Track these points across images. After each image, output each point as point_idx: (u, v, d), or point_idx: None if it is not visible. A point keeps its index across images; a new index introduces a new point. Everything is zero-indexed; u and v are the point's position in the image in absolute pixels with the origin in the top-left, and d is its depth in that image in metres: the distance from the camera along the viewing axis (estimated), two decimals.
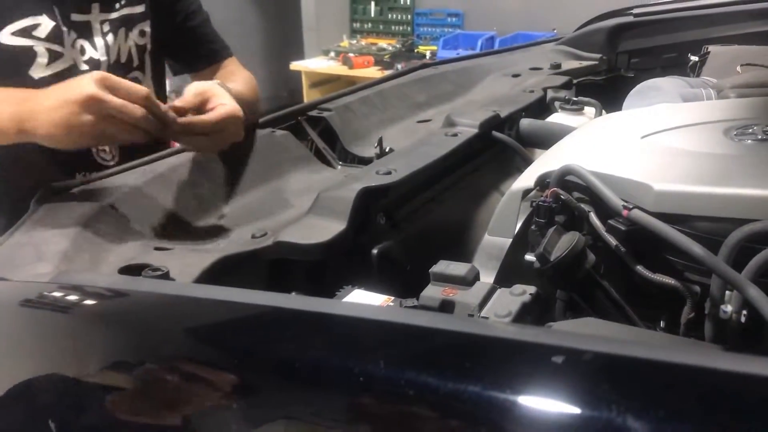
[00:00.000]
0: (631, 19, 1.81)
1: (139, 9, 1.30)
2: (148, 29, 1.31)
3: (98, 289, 0.62)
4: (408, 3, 4.60)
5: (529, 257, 0.84)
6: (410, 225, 0.99)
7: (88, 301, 0.62)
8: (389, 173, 0.95)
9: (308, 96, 4.44)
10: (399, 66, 3.94)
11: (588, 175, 0.81)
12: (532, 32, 4.15)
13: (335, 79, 4.58)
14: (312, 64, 4.38)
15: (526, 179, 0.88)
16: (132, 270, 0.75)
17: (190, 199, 1.02)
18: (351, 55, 4.26)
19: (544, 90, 1.43)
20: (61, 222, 0.81)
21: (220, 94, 1.03)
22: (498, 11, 4.34)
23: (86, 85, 0.86)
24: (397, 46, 4.47)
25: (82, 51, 1.18)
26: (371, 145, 1.39)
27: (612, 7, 3.89)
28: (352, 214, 0.87)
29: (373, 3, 4.69)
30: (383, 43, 4.52)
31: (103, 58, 1.21)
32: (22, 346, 0.63)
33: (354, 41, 4.68)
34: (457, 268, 0.72)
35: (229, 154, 1.15)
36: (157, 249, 0.82)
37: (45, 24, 1.15)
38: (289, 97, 6.57)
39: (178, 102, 0.98)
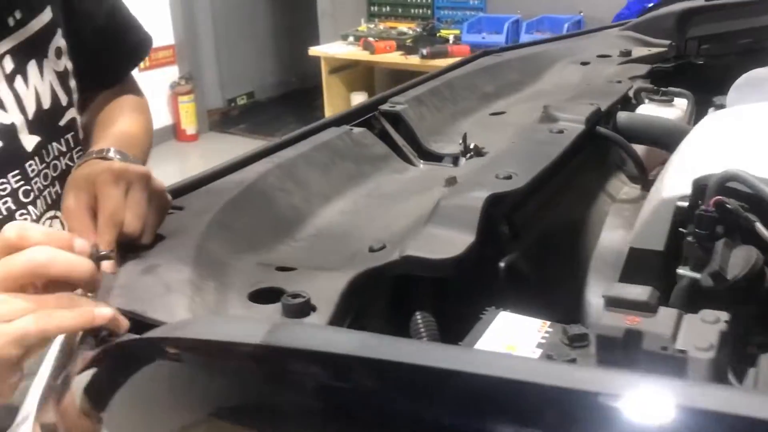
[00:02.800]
0: (701, 2, 1.72)
1: (45, 17, 0.88)
2: (62, 42, 0.91)
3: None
4: None
5: (683, 271, 0.76)
6: (529, 233, 0.91)
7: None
8: (510, 177, 0.87)
9: (328, 83, 4.34)
10: (423, 51, 3.84)
11: (756, 181, 0.73)
12: (557, 15, 4.06)
13: (354, 64, 4.49)
14: (331, 50, 4.28)
15: (678, 186, 0.80)
16: (263, 295, 0.67)
17: (285, 208, 0.94)
18: (371, 39, 4.16)
19: (632, 79, 1.35)
20: (172, 243, 0.73)
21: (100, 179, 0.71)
22: None
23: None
24: (418, 29, 4.36)
25: None
26: (448, 141, 1.31)
27: None
28: (481, 224, 0.79)
29: None
30: (403, 27, 4.41)
31: (18, 118, 0.83)
32: None
33: (372, 25, 4.57)
34: (636, 292, 0.64)
35: (309, 155, 1.07)
36: (279, 269, 0.74)
37: None
38: (299, 82, 6.48)
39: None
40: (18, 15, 0.84)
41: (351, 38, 4.34)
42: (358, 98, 4.45)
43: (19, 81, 0.84)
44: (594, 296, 0.96)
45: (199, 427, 0.46)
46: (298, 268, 0.75)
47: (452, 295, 0.82)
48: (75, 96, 0.94)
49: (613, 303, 0.65)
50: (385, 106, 1.33)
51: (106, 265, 0.64)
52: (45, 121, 0.87)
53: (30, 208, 0.85)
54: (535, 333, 0.69)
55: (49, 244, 0.55)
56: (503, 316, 0.71)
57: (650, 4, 3.78)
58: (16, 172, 0.83)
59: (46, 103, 0.88)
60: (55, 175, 0.89)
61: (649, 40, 1.75)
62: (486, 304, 0.78)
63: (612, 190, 1.11)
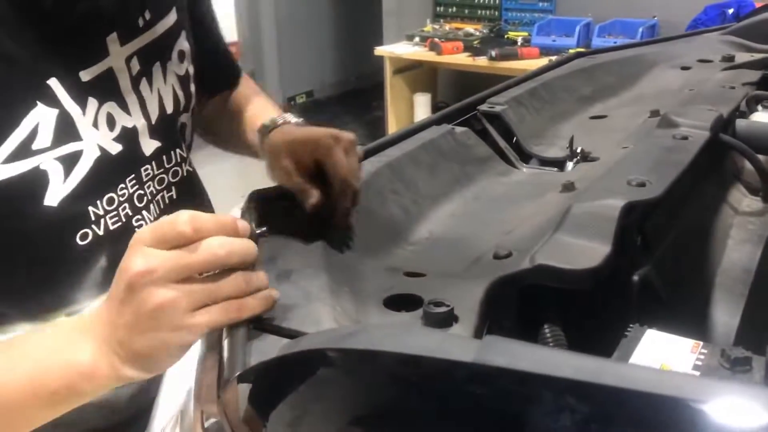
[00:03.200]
0: None
1: (171, 19, 0.87)
2: (186, 45, 0.90)
3: None
4: None
5: None
6: (659, 245, 0.86)
7: None
8: (644, 185, 0.82)
9: (391, 84, 4.31)
10: (492, 52, 3.78)
11: None
12: (630, 18, 3.95)
13: (418, 65, 4.45)
14: (397, 50, 4.24)
15: None
16: (398, 301, 0.64)
17: (396, 210, 0.91)
18: (438, 40, 4.11)
19: (746, 85, 1.28)
20: (301, 246, 0.70)
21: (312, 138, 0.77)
22: None
23: (131, 261, 0.55)
24: (484, 31, 4.30)
25: (111, 124, 0.78)
26: (549, 144, 1.26)
27: None
28: (617, 234, 0.74)
29: None
30: (469, 28, 4.35)
31: (141, 122, 0.82)
32: None
33: (437, 26, 4.52)
34: None
35: (415, 155, 1.04)
36: (407, 275, 0.70)
37: (45, 120, 0.71)
38: (358, 82, 6.47)
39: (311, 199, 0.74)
40: (147, 16, 0.83)
41: (417, 38, 4.30)
42: (422, 99, 4.42)
43: (144, 84, 0.83)
44: (720, 314, 0.90)
45: None
46: (428, 274, 0.71)
47: (580, 308, 0.78)
48: (193, 101, 0.92)
49: None
50: (484, 107, 1.29)
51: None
52: (166, 126, 0.86)
53: (144, 213, 0.84)
54: (688, 354, 0.64)
55: (220, 232, 0.55)
56: (651, 334, 0.67)
57: (730, 10, 3.66)
58: (133, 176, 0.82)
59: (169, 108, 0.86)
60: (174, 180, 0.88)
61: (751, 45, 1.68)
62: (614, 320, 0.73)
63: (733, 202, 1.04)
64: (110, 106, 0.78)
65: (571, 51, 3.54)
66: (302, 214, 0.80)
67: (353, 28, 6.10)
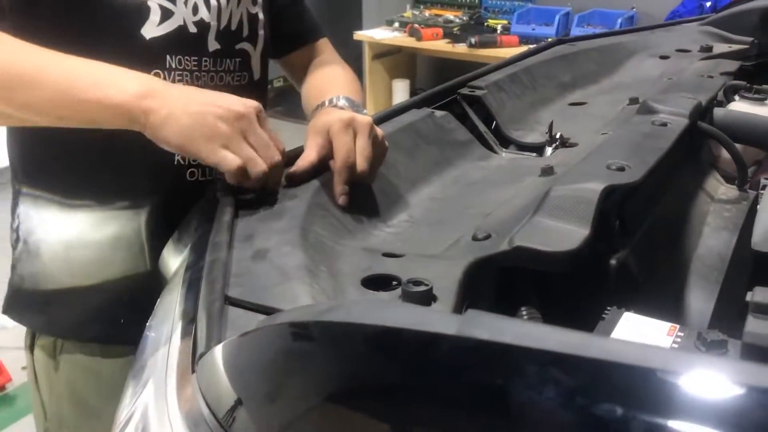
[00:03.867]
0: None
1: None
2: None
3: None
4: None
5: None
6: (637, 230, 0.86)
7: None
8: (623, 169, 0.82)
9: (370, 69, 4.29)
10: (472, 39, 3.78)
11: None
12: (609, 9, 3.97)
13: (397, 51, 4.43)
14: (377, 35, 4.22)
15: None
16: (376, 281, 0.63)
17: (376, 192, 0.90)
18: (418, 26, 4.09)
19: (724, 75, 1.28)
20: (278, 225, 0.69)
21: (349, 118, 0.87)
22: None
23: (246, 104, 0.80)
24: (464, 18, 4.29)
25: (195, 10, 0.98)
26: (529, 129, 1.26)
27: None
28: (595, 217, 0.74)
29: None
30: (449, 15, 4.34)
31: (213, 22, 1.01)
32: None
33: (417, 12, 4.50)
34: None
35: (394, 137, 1.03)
36: (386, 255, 0.69)
37: None
38: None
39: (296, 164, 0.86)
40: None
41: (396, 24, 4.27)
42: (401, 85, 4.40)
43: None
44: (695, 299, 0.91)
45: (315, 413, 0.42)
46: (406, 255, 0.71)
47: (557, 290, 0.78)
48: (260, 43, 1.08)
49: (762, 309, 0.60)
50: (464, 90, 1.28)
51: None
52: (227, 38, 1.03)
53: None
54: (665, 336, 0.64)
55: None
56: (628, 317, 0.67)
57: (708, 2, 3.69)
58: (195, 58, 0.99)
59: (234, 25, 1.04)
60: (221, 84, 1.03)
61: (729, 37, 1.69)
62: (591, 303, 0.73)
63: (710, 189, 1.05)
64: (197, 0, 0.98)
65: (550, 40, 3.55)
66: (279, 193, 0.79)
67: (333, 13, 6.04)
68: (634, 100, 1.22)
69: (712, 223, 0.98)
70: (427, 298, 0.60)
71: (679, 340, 0.63)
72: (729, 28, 1.70)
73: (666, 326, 0.65)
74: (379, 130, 0.90)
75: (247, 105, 0.79)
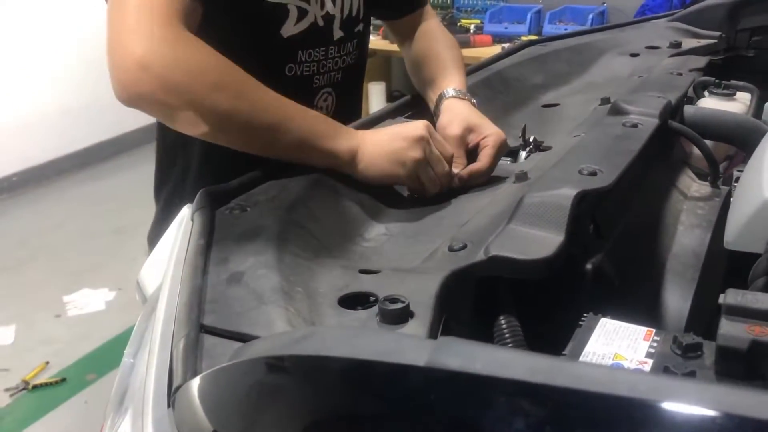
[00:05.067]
0: None
1: None
2: None
3: None
4: None
5: None
6: (611, 233, 0.87)
7: None
8: (595, 174, 0.83)
9: None
10: None
11: None
12: (580, 5, 4.00)
13: (372, 54, 4.41)
14: None
15: None
16: (353, 300, 0.63)
17: (351, 206, 0.90)
18: None
19: (693, 72, 1.29)
20: (253, 247, 0.69)
21: (479, 124, 1.07)
22: None
23: (419, 128, 0.95)
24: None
25: (322, 5, 1.11)
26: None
27: None
28: (569, 223, 0.75)
29: None
30: None
31: (337, 14, 1.14)
32: None
33: None
34: (760, 300, 0.59)
35: None
36: (362, 272, 0.69)
37: None
38: None
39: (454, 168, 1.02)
40: None
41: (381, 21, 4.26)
42: (377, 88, 4.39)
43: None
44: (672, 299, 0.92)
45: None
46: (383, 271, 0.71)
47: (535, 297, 0.78)
48: (367, 20, 1.24)
49: (733, 311, 0.60)
50: None
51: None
52: (348, 24, 1.17)
53: (317, 78, 1.15)
54: (641, 341, 0.64)
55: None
56: (604, 323, 0.67)
57: None
58: (323, 49, 1.13)
59: (353, 11, 1.18)
60: (342, 66, 1.18)
61: (697, 32, 1.70)
62: (568, 308, 0.74)
63: (683, 187, 1.06)
64: None
65: (523, 38, 3.57)
66: (255, 211, 0.79)
67: None
68: (605, 100, 1.23)
69: (686, 221, 0.99)
70: (403, 316, 0.60)
71: (655, 344, 0.64)
72: (697, 23, 1.71)
73: (642, 331, 0.65)
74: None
75: (422, 127, 0.96)
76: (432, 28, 1.35)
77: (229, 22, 1.00)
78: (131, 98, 0.86)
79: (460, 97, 1.14)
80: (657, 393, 0.32)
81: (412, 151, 0.93)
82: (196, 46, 0.87)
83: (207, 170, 1.15)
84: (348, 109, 1.24)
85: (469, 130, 1.06)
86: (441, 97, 1.15)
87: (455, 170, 1.01)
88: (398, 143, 0.94)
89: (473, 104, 1.15)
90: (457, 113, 1.10)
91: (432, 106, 1.18)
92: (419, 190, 0.97)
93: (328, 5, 1.12)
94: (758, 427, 0.31)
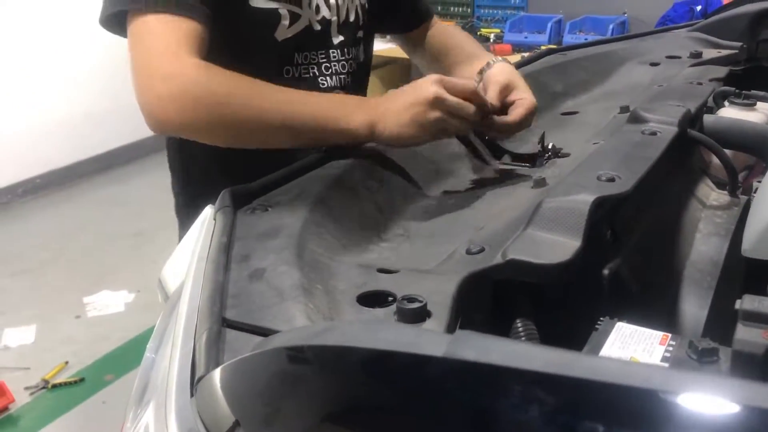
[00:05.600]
0: None
1: None
2: None
3: None
4: None
5: None
6: (629, 239, 0.87)
7: None
8: (613, 180, 0.83)
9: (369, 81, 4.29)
10: None
11: None
12: (601, 15, 4.00)
13: (391, 62, 4.44)
14: None
15: None
16: (372, 298, 0.64)
17: (370, 206, 0.91)
18: None
19: (713, 81, 1.30)
20: (274, 244, 0.70)
21: (519, 86, 1.13)
22: None
23: (429, 86, 0.97)
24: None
25: (317, 10, 1.16)
26: (521, 140, 1.27)
27: None
28: (587, 228, 0.75)
29: None
30: None
31: (334, 18, 1.19)
32: None
33: None
34: None
35: (388, 151, 1.05)
36: (380, 271, 0.70)
37: None
38: None
39: (489, 100, 1.07)
40: None
41: (389, 35, 4.29)
42: None
43: None
44: (689, 306, 0.92)
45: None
46: (401, 270, 0.72)
47: (551, 302, 0.79)
48: (369, 27, 1.28)
49: (749, 317, 0.61)
50: None
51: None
52: (347, 29, 1.21)
53: (327, 78, 1.20)
54: (657, 346, 0.65)
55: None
56: (620, 327, 0.67)
57: (698, 6, 3.71)
58: (323, 52, 1.18)
59: (351, 17, 1.22)
60: (350, 70, 1.23)
61: (718, 42, 1.70)
62: (585, 313, 0.74)
63: (701, 196, 1.06)
64: (318, 0, 1.15)
65: (543, 47, 3.57)
66: (276, 211, 0.81)
67: None
68: (624, 109, 1.23)
69: (704, 229, 0.99)
70: (421, 315, 0.61)
71: (671, 349, 0.64)
72: (718, 33, 1.71)
73: (658, 335, 0.66)
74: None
75: (432, 83, 0.97)
76: (443, 28, 1.42)
77: (224, 29, 1.04)
78: (161, 130, 0.99)
79: (508, 62, 1.22)
80: (672, 384, 0.32)
81: (431, 113, 0.96)
82: (205, 71, 0.95)
83: (212, 169, 1.22)
84: None
85: (511, 86, 1.12)
86: (489, 64, 1.21)
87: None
88: (415, 108, 0.97)
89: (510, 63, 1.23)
90: (508, 71, 1.17)
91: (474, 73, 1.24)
92: (450, 137, 1.06)
93: (324, 10, 1.17)
94: None
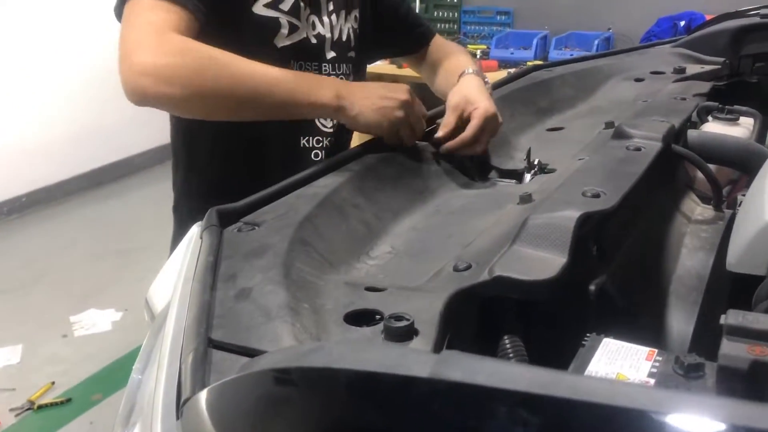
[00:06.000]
0: (757, 20, 1.68)
1: None
2: (358, 15, 1.37)
3: None
4: (455, 0, 4.48)
5: None
6: (614, 255, 0.88)
7: None
8: (598, 196, 0.84)
9: None
10: None
11: None
12: (586, 31, 4.03)
13: (377, 78, 4.46)
14: None
15: None
16: (359, 317, 0.64)
17: (358, 224, 0.91)
18: None
19: (697, 96, 1.31)
20: (261, 263, 0.70)
21: (473, 98, 1.19)
22: (549, 9, 4.21)
23: (404, 90, 1.12)
24: None
25: (313, 26, 1.25)
26: (507, 157, 1.28)
27: (668, 6, 3.78)
28: (573, 244, 0.75)
29: (418, 0, 4.56)
30: None
31: (328, 35, 1.27)
32: None
33: None
34: (761, 320, 0.60)
35: (377, 169, 1.05)
36: (368, 289, 0.70)
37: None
38: None
39: (441, 131, 1.18)
40: None
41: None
42: None
43: (333, 16, 1.28)
44: (675, 321, 0.92)
45: None
46: (388, 289, 0.71)
47: (538, 318, 0.79)
48: (360, 51, 1.35)
49: (734, 331, 0.61)
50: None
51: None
52: (340, 47, 1.29)
53: None
54: (644, 361, 0.65)
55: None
56: (607, 343, 0.68)
57: (681, 22, 3.76)
58: (316, 64, 1.26)
59: (344, 37, 1.30)
60: None
61: (701, 57, 1.72)
62: (572, 329, 0.74)
63: (686, 210, 1.07)
64: (316, 16, 1.25)
65: (529, 63, 3.60)
66: (263, 229, 0.80)
67: None
68: (609, 124, 1.24)
69: (690, 244, 1.00)
70: (408, 333, 0.61)
71: (657, 364, 0.64)
72: (701, 48, 1.73)
73: (645, 351, 0.66)
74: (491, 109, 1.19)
75: (405, 91, 1.12)
76: (447, 50, 1.51)
77: (226, 34, 1.09)
78: (139, 99, 1.02)
79: (476, 74, 1.29)
80: (657, 404, 0.32)
81: (398, 111, 1.09)
82: (179, 42, 1.02)
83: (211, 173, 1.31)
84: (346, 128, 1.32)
85: (466, 101, 1.19)
86: (462, 75, 1.29)
87: (440, 134, 1.17)
88: (386, 101, 1.09)
89: (486, 83, 1.28)
90: (464, 86, 1.25)
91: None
92: (396, 143, 1.12)
93: (319, 28, 1.26)
94: None
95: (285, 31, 1.20)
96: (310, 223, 0.84)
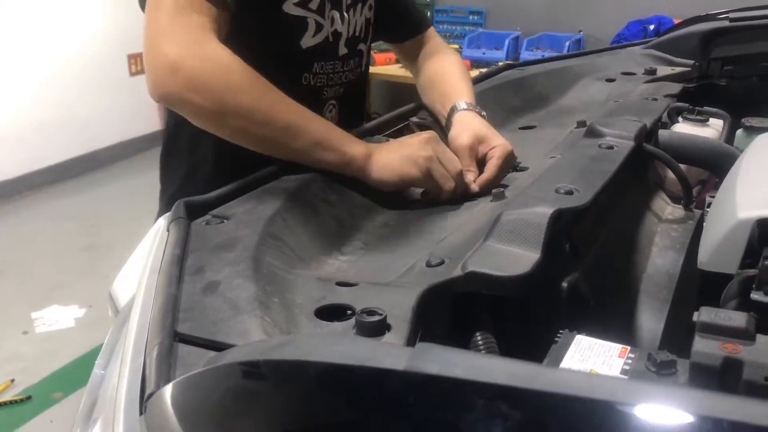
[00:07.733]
0: (726, 24, 1.70)
1: None
2: (373, 3, 1.30)
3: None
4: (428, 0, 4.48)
5: (758, 297, 0.73)
6: (586, 252, 0.87)
7: None
8: (571, 193, 0.83)
9: None
10: None
11: None
12: (557, 33, 4.06)
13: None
14: None
15: (755, 206, 0.76)
16: (330, 312, 0.63)
17: (329, 220, 0.90)
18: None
19: (668, 97, 1.32)
20: (230, 257, 0.68)
21: (486, 136, 1.11)
22: (521, 10, 4.24)
23: (425, 147, 1.01)
24: None
25: (332, 22, 1.18)
26: None
27: (637, 10, 3.83)
28: (546, 241, 0.75)
29: None
30: None
31: (343, 32, 1.21)
32: None
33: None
34: (732, 318, 0.60)
35: None
36: (339, 284, 0.69)
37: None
38: None
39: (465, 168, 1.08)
40: None
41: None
42: None
43: (351, 11, 1.22)
44: (646, 319, 0.93)
45: None
46: (360, 284, 0.70)
47: (511, 314, 0.78)
48: (369, 40, 1.31)
49: (706, 329, 0.61)
50: (415, 118, 1.30)
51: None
52: (352, 42, 1.24)
53: (326, 90, 1.22)
54: (616, 358, 0.65)
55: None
56: (579, 339, 0.67)
57: (651, 26, 3.81)
58: (331, 63, 1.20)
59: (356, 32, 1.25)
60: (344, 81, 1.25)
61: (672, 59, 1.74)
62: (544, 326, 0.74)
63: (657, 210, 1.07)
64: (335, 13, 1.18)
65: (501, 63, 3.61)
66: (231, 223, 0.79)
67: None
68: (581, 123, 1.24)
69: (660, 242, 1.00)
70: (380, 328, 0.60)
71: (630, 361, 0.64)
72: (671, 51, 1.75)
73: (617, 348, 0.66)
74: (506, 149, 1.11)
75: (428, 149, 1.01)
76: (438, 49, 1.43)
77: (254, 31, 1.07)
78: (161, 96, 0.95)
79: (470, 110, 1.20)
80: (635, 396, 0.32)
81: (423, 151, 0.99)
82: (222, 52, 0.95)
83: (216, 173, 1.19)
84: (349, 122, 1.25)
85: (478, 140, 1.10)
86: (453, 110, 1.21)
87: (470, 177, 1.06)
88: (408, 147, 1.01)
89: (483, 117, 1.20)
90: (468, 124, 1.15)
91: (443, 121, 1.24)
92: (435, 189, 1.01)
93: (337, 23, 1.19)
94: (733, 429, 0.31)
95: (311, 31, 1.14)
96: (281, 217, 0.83)
